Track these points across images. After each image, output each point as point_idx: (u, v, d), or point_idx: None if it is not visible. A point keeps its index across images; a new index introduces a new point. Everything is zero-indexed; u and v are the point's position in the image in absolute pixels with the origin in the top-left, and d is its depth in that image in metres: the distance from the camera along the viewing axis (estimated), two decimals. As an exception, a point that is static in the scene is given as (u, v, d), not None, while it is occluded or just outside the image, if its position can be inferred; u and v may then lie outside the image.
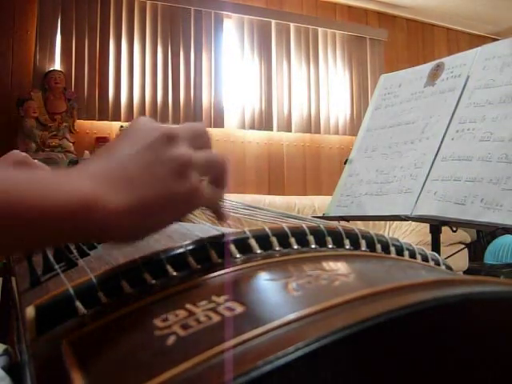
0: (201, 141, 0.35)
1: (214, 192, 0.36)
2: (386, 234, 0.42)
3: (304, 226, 0.39)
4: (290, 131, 3.39)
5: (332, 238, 0.39)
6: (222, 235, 0.36)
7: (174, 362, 0.20)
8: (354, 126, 3.47)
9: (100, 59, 2.93)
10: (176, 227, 0.50)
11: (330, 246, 0.38)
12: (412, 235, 2.96)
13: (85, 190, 0.28)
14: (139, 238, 0.32)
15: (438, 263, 0.43)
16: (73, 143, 2.78)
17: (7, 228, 0.26)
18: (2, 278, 0.67)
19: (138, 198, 0.30)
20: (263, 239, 0.36)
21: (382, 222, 3.06)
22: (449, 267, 0.44)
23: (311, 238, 0.38)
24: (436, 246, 1.16)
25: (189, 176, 0.32)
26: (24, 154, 0.69)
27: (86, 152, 2.79)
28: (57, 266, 0.43)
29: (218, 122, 3.17)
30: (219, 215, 0.38)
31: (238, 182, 3.19)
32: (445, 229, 1.11)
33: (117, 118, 2.93)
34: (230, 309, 0.25)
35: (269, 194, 3.24)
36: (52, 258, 0.44)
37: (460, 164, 1.02)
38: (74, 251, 0.46)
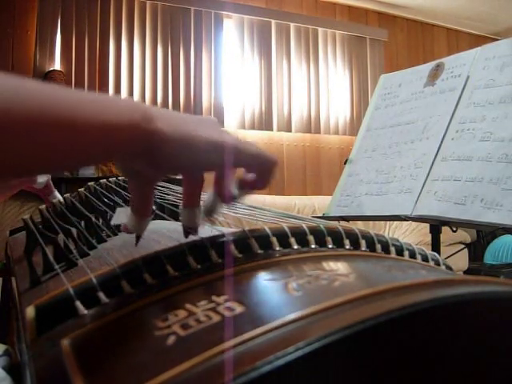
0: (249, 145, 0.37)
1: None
2: (385, 234, 0.42)
3: (304, 226, 0.39)
4: (290, 131, 3.39)
5: (332, 238, 0.39)
6: (222, 235, 0.36)
7: (174, 362, 0.20)
8: (354, 126, 3.47)
9: (100, 59, 2.93)
10: (176, 227, 0.50)
11: (330, 246, 0.38)
12: (412, 235, 2.96)
13: (140, 106, 0.30)
14: (172, 167, 0.33)
15: (438, 263, 0.43)
16: (73, 143, 2.78)
17: (68, 139, 0.27)
18: (1, 278, 0.67)
19: (183, 128, 0.32)
20: (263, 239, 0.36)
21: (382, 222, 3.06)
22: (449, 267, 0.44)
23: (311, 238, 0.38)
24: (436, 245, 1.16)
25: (228, 135, 0.35)
26: None
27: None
28: (57, 266, 0.43)
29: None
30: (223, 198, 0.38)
31: (238, 182, 3.18)
32: (445, 229, 1.11)
33: (117, 117, 2.93)
34: (229, 309, 0.25)
35: (269, 194, 3.25)
36: (52, 258, 0.44)
37: (460, 164, 1.02)
38: (74, 251, 0.46)
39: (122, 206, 0.45)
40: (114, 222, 0.41)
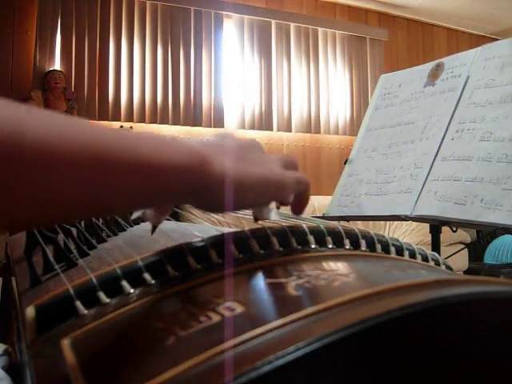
0: (291, 164, 0.39)
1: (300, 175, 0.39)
2: (385, 234, 0.42)
3: (304, 225, 0.39)
4: (290, 131, 3.39)
5: (332, 237, 0.39)
6: (222, 235, 0.36)
7: (174, 362, 0.20)
8: (353, 126, 3.47)
9: (100, 59, 2.93)
10: (176, 227, 0.50)
11: (330, 246, 0.38)
12: (412, 235, 2.96)
13: (198, 150, 0.31)
14: (230, 208, 0.34)
15: (438, 263, 0.43)
16: (73, 143, 2.78)
17: (131, 184, 0.27)
18: (1, 278, 0.67)
19: (240, 170, 0.33)
20: (263, 239, 0.36)
21: (382, 222, 3.06)
22: (449, 267, 0.44)
23: (311, 238, 0.38)
24: (436, 245, 1.16)
25: (280, 170, 0.36)
26: None
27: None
28: (57, 266, 0.43)
29: (218, 122, 3.17)
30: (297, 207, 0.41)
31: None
32: (445, 229, 1.11)
33: (117, 118, 2.93)
34: (229, 309, 0.25)
35: (269, 194, 3.24)
36: (52, 258, 0.44)
37: (460, 164, 1.02)
38: (74, 251, 0.46)
39: None
40: (134, 215, 0.43)
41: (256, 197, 0.35)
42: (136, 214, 0.42)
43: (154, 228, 0.40)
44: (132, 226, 0.61)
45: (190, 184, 0.30)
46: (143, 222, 0.46)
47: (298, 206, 0.41)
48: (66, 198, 0.25)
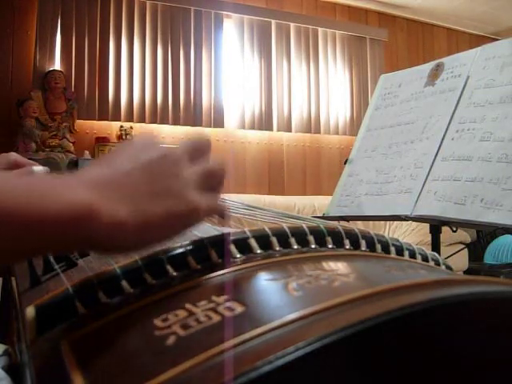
0: (198, 154, 0.36)
1: (212, 200, 0.36)
2: (385, 234, 0.42)
3: (304, 225, 0.39)
4: (290, 131, 3.39)
5: (332, 237, 0.39)
6: (222, 235, 0.36)
7: (174, 362, 0.20)
8: (353, 126, 3.47)
9: (100, 59, 2.93)
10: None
11: (330, 246, 0.38)
12: (412, 235, 2.96)
13: (84, 200, 0.27)
14: (135, 251, 0.32)
15: (438, 263, 0.43)
16: (73, 143, 2.78)
17: (3, 235, 0.25)
18: (1, 278, 0.67)
19: (137, 213, 0.29)
20: (263, 239, 0.36)
21: (382, 222, 3.06)
22: (449, 267, 0.44)
23: (311, 238, 0.38)
24: (436, 245, 1.16)
25: (189, 196, 0.32)
26: (14, 154, 0.68)
27: (86, 152, 2.79)
28: (57, 266, 0.43)
29: (218, 122, 3.17)
30: (221, 219, 0.38)
31: (237, 182, 3.19)
32: (445, 229, 1.11)
33: (117, 118, 2.93)
34: (229, 309, 0.25)
35: (269, 194, 3.25)
36: (52, 258, 0.44)
37: (460, 164, 1.02)
38: (74, 251, 0.46)
39: None
40: None
41: (163, 233, 0.32)
42: None
43: None
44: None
45: (75, 237, 0.27)
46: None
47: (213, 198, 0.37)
48: None
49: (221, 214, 0.37)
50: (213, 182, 0.36)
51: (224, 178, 0.37)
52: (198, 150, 0.36)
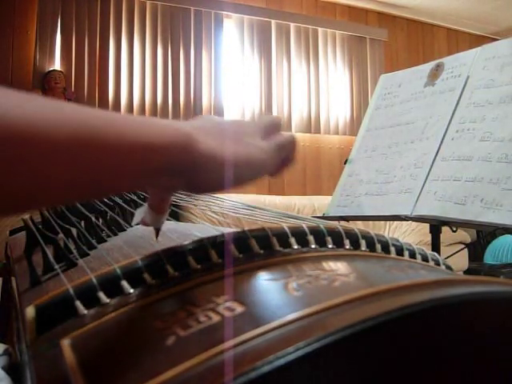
0: (272, 129, 0.40)
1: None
2: (385, 234, 0.42)
3: (304, 225, 0.39)
4: (290, 131, 3.39)
5: (332, 237, 0.39)
6: (222, 235, 0.36)
7: (174, 362, 0.20)
8: (353, 126, 3.47)
9: (100, 59, 2.93)
10: (176, 227, 0.50)
11: (330, 246, 0.38)
12: (412, 235, 2.96)
13: (186, 130, 0.31)
14: (220, 188, 0.34)
15: (438, 263, 0.43)
16: (73, 143, 2.78)
17: (120, 166, 0.27)
18: (1, 278, 0.67)
19: (227, 150, 0.33)
20: (263, 239, 0.36)
21: (382, 222, 3.06)
22: (449, 267, 0.44)
23: (311, 238, 0.38)
24: (436, 245, 1.16)
25: (266, 149, 0.37)
26: None
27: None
28: (57, 266, 0.43)
29: (218, 122, 3.17)
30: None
31: (237, 182, 3.19)
32: (445, 229, 1.11)
33: (117, 118, 2.93)
34: (229, 309, 0.25)
35: (269, 194, 3.24)
36: (52, 258, 0.44)
37: (460, 164, 1.02)
38: (74, 251, 0.46)
39: (141, 206, 0.46)
40: (134, 222, 0.43)
41: (243, 175, 0.35)
42: (135, 221, 0.42)
43: (158, 232, 0.40)
44: (132, 227, 0.61)
45: (177, 162, 0.30)
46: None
47: (283, 166, 0.42)
48: (55, 180, 0.25)
49: (290, 150, 0.41)
50: (285, 152, 0.40)
51: (295, 149, 0.41)
52: (272, 125, 0.40)
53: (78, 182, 0.26)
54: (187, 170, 0.31)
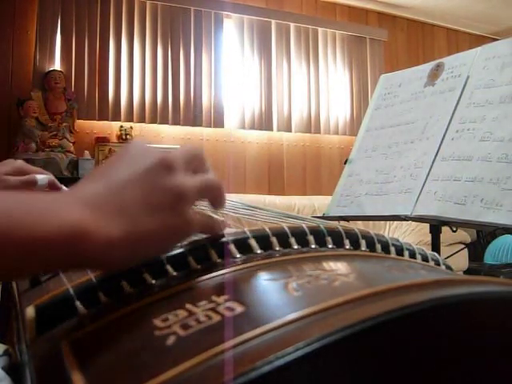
0: (197, 164, 0.35)
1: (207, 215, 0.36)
2: (385, 234, 0.42)
3: (304, 225, 0.39)
4: (290, 131, 3.39)
5: (332, 238, 0.39)
6: (222, 235, 0.36)
7: (174, 362, 0.20)
8: (353, 126, 3.47)
9: (100, 59, 2.93)
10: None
11: (330, 246, 0.38)
12: (412, 235, 2.96)
13: (75, 219, 0.27)
14: (128, 266, 0.32)
15: (438, 263, 0.43)
16: (73, 143, 2.79)
17: (7, 255, 0.25)
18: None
19: (131, 229, 0.29)
20: (263, 239, 0.36)
21: (382, 222, 3.06)
22: (449, 267, 0.44)
23: (311, 238, 0.38)
24: (436, 245, 1.16)
25: (183, 209, 0.31)
26: (20, 161, 0.70)
27: (86, 152, 2.79)
28: (57, 266, 0.43)
29: (218, 122, 3.17)
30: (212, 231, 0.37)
31: (237, 182, 3.19)
32: (445, 229, 1.11)
33: (117, 118, 2.93)
34: (229, 309, 0.25)
35: (269, 194, 3.25)
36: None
37: (460, 164, 1.02)
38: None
39: None
40: None
41: (157, 246, 0.32)
42: None
43: None
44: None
45: (68, 258, 0.27)
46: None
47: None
48: None
49: (213, 231, 0.36)
50: (210, 195, 0.35)
51: (222, 193, 0.36)
52: (195, 158, 0.35)
53: None
54: (85, 261, 0.28)
